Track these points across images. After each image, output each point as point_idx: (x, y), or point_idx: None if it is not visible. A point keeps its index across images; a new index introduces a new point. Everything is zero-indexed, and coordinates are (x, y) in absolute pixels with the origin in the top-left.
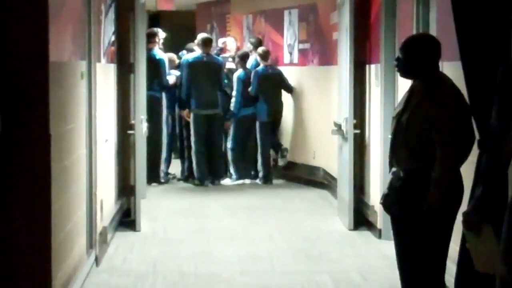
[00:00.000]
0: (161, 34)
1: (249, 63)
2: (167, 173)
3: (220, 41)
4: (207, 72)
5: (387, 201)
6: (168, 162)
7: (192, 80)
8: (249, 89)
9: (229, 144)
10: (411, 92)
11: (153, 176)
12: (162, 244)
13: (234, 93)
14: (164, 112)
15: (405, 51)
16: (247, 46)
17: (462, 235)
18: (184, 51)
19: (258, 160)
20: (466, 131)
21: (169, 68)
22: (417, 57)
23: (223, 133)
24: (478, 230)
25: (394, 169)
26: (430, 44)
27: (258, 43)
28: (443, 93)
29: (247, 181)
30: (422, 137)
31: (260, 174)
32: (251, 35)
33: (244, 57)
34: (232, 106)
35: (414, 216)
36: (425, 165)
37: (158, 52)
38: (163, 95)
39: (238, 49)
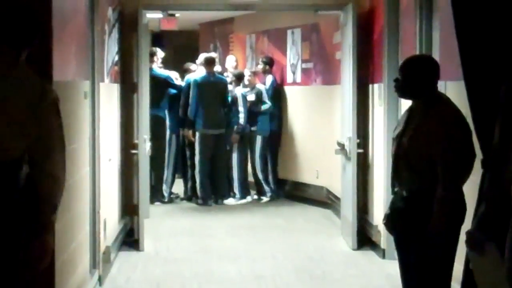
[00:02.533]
0: (160, 54)
1: (268, 82)
2: (170, 193)
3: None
4: (215, 91)
5: (390, 222)
6: (172, 181)
7: (200, 100)
8: (265, 107)
9: (234, 162)
10: (410, 112)
11: (157, 196)
12: (165, 264)
13: (241, 109)
14: (167, 132)
15: (404, 72)
16: (257, 66)
17: (466, 255)
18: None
19: (260, 176)
20: (466, 150)
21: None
22: (416, 78)
23: (228, 149)
24: (481, 248)
25: (396, 189)
26: (428, 65)
27: (272, 62)
28: (443, 113)
29: (250, 199)
30: (424, 157)
31: (267, 189)
32: (254, 55)
33: (240, 77)
34: (241, 120)
35: (418, 236)
36: (428, 185)
37: (159, 70)
38: (167, 114)
39: (235, 68)
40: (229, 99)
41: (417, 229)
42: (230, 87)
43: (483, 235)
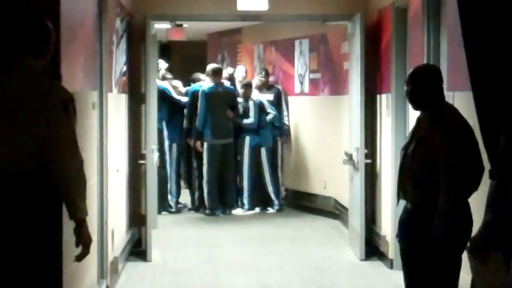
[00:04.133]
0: (163, 65)
1: (279, 90)
2: (177, 203)
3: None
4: (223, 101)
5: (399, 235)
6: (178, 191)
7: (208, 110)
8: (270, 117)
9: (245, 173)
10: (418, 123)
11: (164, 206)
12: (173, 274)
13: (252, 113)
14: (166, 142)
15: (416, 81)
16: (259, 76)
17: None
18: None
19: (269, 188)
20: (472, 162)
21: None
22: (427, 88)
23: (239, 159)
24: (484, 256)
25: (404, 201)
26: (438, 75)
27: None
28: (448, 124)
29: (258, 210)
30: (427, 168)
31: (276, 203)
32: (262, 65)
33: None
34: (250, 120)
35: (422, 248)
36: (431, 197)
37: (158, 82)
38: (164, 126)
39: (244, 78)
40: (241, 110)
41: (421, 241)
42: (239, 99)
43: (487, 242)
